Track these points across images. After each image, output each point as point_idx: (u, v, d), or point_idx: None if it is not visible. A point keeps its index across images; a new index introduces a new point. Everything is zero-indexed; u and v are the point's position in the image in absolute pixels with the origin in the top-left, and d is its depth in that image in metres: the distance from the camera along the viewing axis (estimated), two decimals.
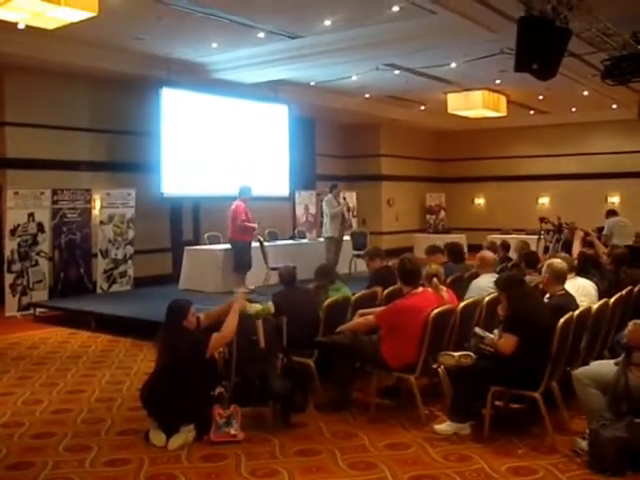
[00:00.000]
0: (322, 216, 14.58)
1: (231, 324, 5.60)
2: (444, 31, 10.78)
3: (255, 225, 11.93)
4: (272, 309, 5.85)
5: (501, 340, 5.45)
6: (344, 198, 13.92)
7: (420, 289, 6.17)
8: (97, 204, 12.71)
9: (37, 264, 11.61)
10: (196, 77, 13.63)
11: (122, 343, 9.32)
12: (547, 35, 7.99)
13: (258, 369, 5.69)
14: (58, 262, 11.99)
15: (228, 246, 12.36)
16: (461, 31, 10.68)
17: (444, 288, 6.56)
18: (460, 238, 16.25)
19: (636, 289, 7.24)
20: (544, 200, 21.69)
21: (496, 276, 7.43)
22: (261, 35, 11.38)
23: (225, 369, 5.75)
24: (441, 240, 9.66)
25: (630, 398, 4.93)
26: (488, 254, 7.89)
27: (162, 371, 5.58)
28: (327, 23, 10.84)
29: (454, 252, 8.79)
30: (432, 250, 8.73)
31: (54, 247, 11.93)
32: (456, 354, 5.57)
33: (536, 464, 4.91)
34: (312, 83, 15.09)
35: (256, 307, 5.75)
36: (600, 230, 11.78)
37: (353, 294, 7.19)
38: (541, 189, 21.71)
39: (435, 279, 6.48)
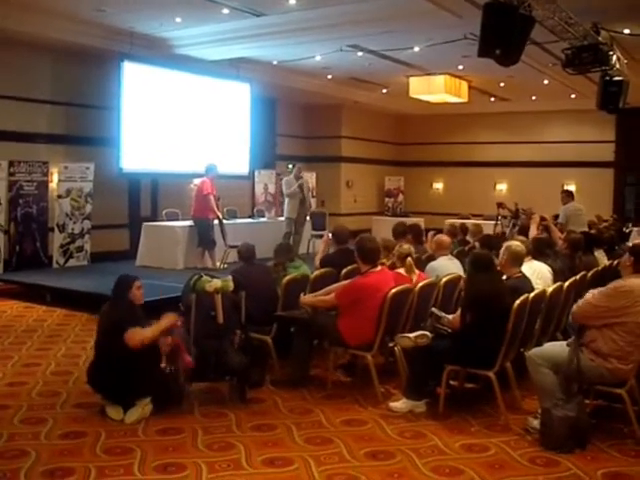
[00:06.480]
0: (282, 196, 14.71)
1: (150, 332, 5.44)
2: (409, 14, 10.80)
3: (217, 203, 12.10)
4: (231, 285, 5.85)
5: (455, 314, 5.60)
6: (301, 177, 13.85)
7: (379, 268, 6.21)
8: (55, 177, 12.52)
9: None
10: (159, 52, 13.45)
11: (78, 318, 9.27)
12: (511, 22, 8.05)
13: (216, 344, 5.70)
14: (14, 235, 11.77)
15: (188, 223, 12.40)
16: (426, 15, 10.68)
17: (417, 271, 6.65)
18: (418, 222, 16.37)
19: (589, 275, 7.38)
20: (502, 186, 21.90)
21: (453, 258, 7.61)
22: (225, 11, 11.26)
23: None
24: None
25: (581, 378, 5.06)
26: (444, 238, 7.96)
27: (101, 348, 5.58)
28: (292, 2, 10.77)
29: (416, 233, 8.89)
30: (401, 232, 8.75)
31: (10, 220, 11.72)
32: (412, 335, 5.64)
33: (489, 442, 5.02)
34: (274, 62, 15.00)
35: (215, 283, 5.75)
36: (556, 217, 11.93)
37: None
38: (499, 175, 21.92)
39: (409, 259, 6.56)
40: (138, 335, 5.37)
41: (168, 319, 5.58)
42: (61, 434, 5.05)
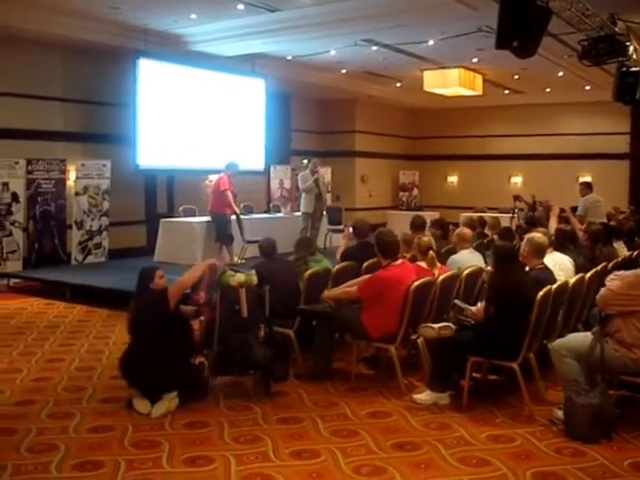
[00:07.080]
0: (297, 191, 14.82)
1: (193, 272, 5.75)
2: (423, 7, 10.77)
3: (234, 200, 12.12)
4: (255, 279, 5.88)
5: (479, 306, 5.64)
6: (317, 172, 13.89)
7: (399, 261, 6.22)
8: (72, 175, 12.60)
9: (11, 234, 11.51)
10: (174, 48, 13.48)
11: (98, 313, 9.33)
12: (528, 13, 8.03)
13: (240, 338, 5.73)
14: (32, 233, 11.88)
15: (205, 218, 12.44)
16: (440, 7, 10.67)
17: (439, 264, 6.65)
18: (434, 215, 16.34)
19: (610, 266, 7.36)
20: (516, 179, 21.84)
21: (474, 251, 7.63)
22: (240, 7, 11.28)
23: (207, 338, 5.79)
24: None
25: (605, 369, 5.06)
26: (466, 231, 8.00)
27: (134, 338, 5.65)
28: None
29: (443, 227, 8.99)
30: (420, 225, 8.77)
31: (29, 218, 11.83)
32: (436, 326, 5.66)
33: (514, 432, 5.03)
34: (289, 57, 14.99)
35: (240, 277, 5.78)
36: (574, 209, 11.89)
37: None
38: (514, 168, 21.85)
39: (431, 252, 6.57)
40: (178, 283, 5.65)
41: (207, 261, 5.98)
42: (89, 428, 5.10)
